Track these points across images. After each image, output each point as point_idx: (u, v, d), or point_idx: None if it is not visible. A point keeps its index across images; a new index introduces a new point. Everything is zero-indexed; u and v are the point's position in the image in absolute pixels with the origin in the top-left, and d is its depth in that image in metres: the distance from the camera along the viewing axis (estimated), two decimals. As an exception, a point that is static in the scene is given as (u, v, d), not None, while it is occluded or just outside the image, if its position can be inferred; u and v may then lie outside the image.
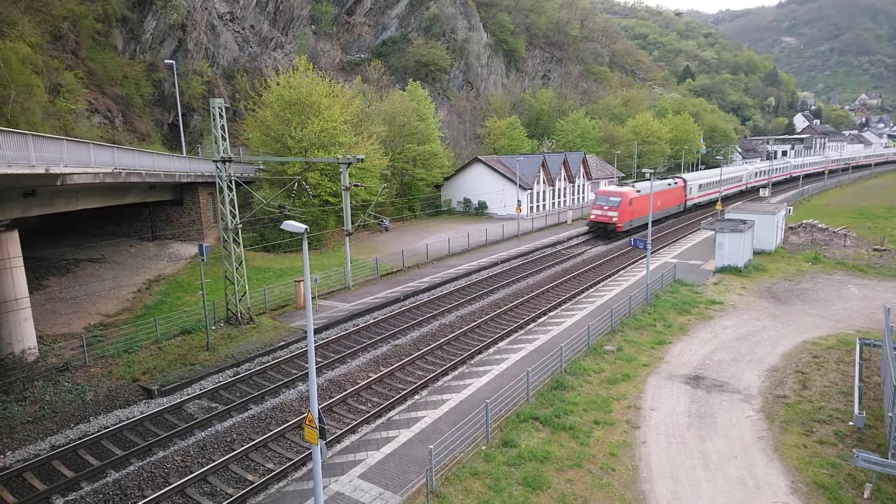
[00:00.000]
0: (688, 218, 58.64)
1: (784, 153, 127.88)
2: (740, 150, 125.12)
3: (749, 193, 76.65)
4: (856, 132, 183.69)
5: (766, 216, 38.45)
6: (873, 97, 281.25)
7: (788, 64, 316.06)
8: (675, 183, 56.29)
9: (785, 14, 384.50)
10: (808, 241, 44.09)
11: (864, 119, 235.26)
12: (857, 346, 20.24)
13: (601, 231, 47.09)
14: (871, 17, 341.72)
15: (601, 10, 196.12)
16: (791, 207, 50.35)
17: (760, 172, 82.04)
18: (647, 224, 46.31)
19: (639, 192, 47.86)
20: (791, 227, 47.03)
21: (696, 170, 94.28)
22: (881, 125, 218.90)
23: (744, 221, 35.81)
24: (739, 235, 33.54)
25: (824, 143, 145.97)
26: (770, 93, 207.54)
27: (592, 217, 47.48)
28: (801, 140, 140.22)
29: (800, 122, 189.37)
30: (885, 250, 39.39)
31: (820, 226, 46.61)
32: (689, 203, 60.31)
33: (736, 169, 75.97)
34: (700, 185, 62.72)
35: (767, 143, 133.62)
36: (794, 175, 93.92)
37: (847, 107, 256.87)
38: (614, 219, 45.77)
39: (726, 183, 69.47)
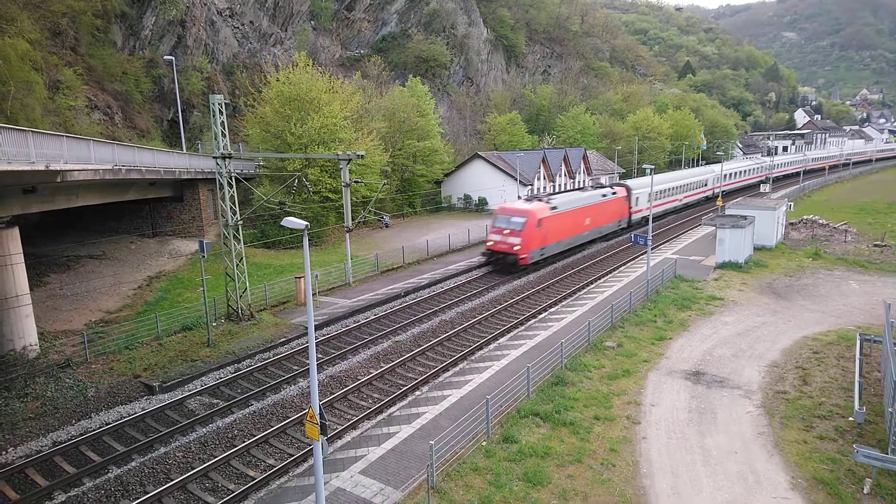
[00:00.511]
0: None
1: (784, 149, 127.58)
2: (741, 146, 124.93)
3: (715, 199, 64.39)
4: (857, 127, 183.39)
5: (767, 212, 38.44)
6: (874, 92, 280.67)
7: (789, 59, 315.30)
8: (614, 192, 44.40)
9: (786, 9, 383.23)
10: (809, 237, 44.09)
11: (865, 114, 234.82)
12: (858, 342, 20.25)
13: (500, 263, 34.24)
14: (872, 11, 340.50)
15: (601, 5, 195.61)
16: (792, 203, 50.35)
17: (732, 174, 71.31)
18: (565, 251, 38.19)
19: (555, 208, 35.62)
20: (791, 223, 47.00)
21: (696, 166, 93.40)
22: (882, 120, 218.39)
23: (744, 217, 35.79)
24: (740, 231, 33.53)
25: (825, 139, 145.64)
26: (771, 88, 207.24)
27: (490, 244, 34.51)
28: (802, 135, 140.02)
29: (801, 117, 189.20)
30: (885, 246, 39.37)
31: (820, 221, 46.58)
32: (636, 217, 48.17)
33: (701, 171, 65.47)
34: (649, 195, 49.68)
35: (768, 138, 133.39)
36: (771, 176, 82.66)
37: (848, 102, 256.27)
38: (516, 247, 32.92)
39: (687, 189, 58.84)
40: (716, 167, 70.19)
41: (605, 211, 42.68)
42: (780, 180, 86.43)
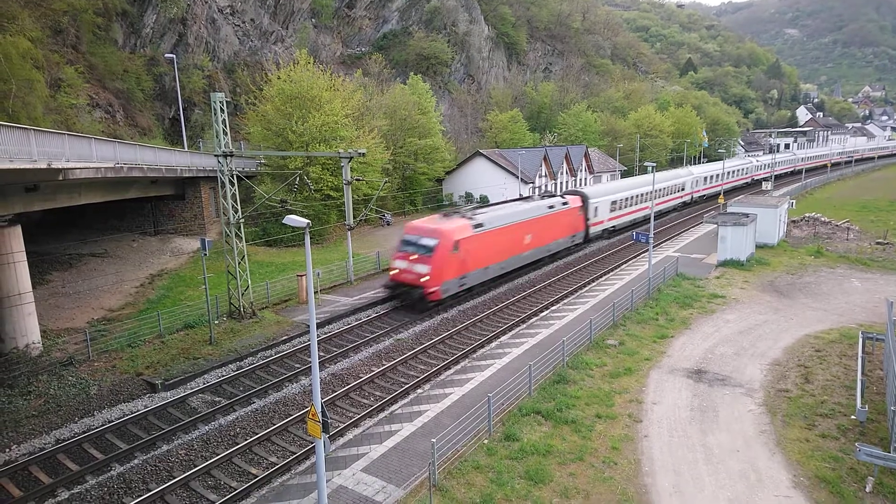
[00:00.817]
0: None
1: (786, 146, 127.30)
2: (742, 143, 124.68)
3: (694, 205, 61.00)
4: (859, 125, 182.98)
5: (769, 209, 38.40)
6: (877, 89, 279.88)
7: (791, 56, 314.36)
8: (565, 203, 37.33)
9: (788, 6, 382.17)
10: (811, 235, 44.04)
11: (867, 111, 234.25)
12: (860, 340, 20.25)
13: (405, 297, 27.29)
14: (874, 8, 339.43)
15: (603, 2, 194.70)
16: (794, 201, 50.26)
17: (711, 177, 64.44)
18: (499, 277, 31.72)
19: (480, 226, 28.88)
20: (794, 221, 46.96)
21: (699, 163, 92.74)
22: (885, 117, 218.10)
23: (746, 215, 35.76)
24: (742, 229, 33.50)
25: (827, 136, 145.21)
26: (773, 85, 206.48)
27: (393, 272, 27.67)
28: (804, 133, 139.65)
29: (803, 114, 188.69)
30: (888, 244, 39.30)
31: (823, 219, 46.53)
32: (595, 230, 42.02)
33: (676, 174, 57.79)
34: (613, 203, 44.02)
35: (770, 135, 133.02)
36: (757, 178, 77.81)
37: (850, 99, 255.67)
38: (424, 278, 26.11)
39: (659, 195, 51.67)
40: (695, 169, 63.44)
41: (553, 225, 35.77)
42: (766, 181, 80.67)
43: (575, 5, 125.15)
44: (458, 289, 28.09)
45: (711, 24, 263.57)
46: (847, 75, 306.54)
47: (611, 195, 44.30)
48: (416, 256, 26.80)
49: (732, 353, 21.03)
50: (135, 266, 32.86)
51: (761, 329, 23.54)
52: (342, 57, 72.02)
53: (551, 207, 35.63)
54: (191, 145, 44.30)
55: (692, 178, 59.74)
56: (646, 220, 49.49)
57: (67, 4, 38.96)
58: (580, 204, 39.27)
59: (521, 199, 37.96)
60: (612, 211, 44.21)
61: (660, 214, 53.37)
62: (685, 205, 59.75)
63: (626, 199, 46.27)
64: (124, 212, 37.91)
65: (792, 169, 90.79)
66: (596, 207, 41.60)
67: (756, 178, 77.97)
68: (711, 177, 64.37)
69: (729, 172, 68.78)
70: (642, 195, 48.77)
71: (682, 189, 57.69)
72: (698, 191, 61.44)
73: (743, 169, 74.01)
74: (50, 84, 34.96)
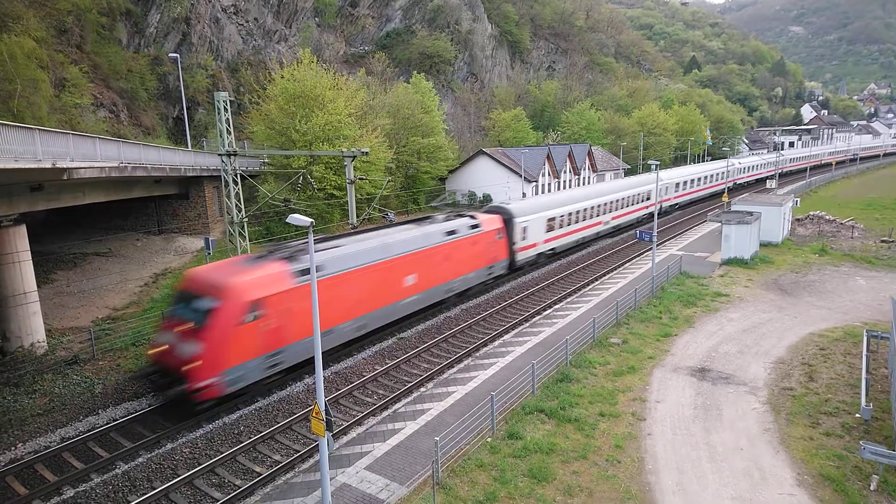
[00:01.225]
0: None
1: (791, 144, 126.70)
2: (747, 142, 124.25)
3: (664, 215, 54.17)
4: (864, 122, 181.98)
5: (773, 208, 38.27)
6: (882, 87, 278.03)
7: (796, 54, 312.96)
8: (476, 225, 28.56)
9: (792, 3, 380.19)
10: (816, 233, 43.87)
11: (872, 109, 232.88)
12: (865, 338, 20.19)
13: (167, 389, 17.04)
14: (880, 5, 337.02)
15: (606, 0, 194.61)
16: (798, 199, 50.04)
17: (681, 184, 56.96)
18: (348, 343, 21.98)
19: (304, 273, 18.62)
20: (798, 219, 46.78)
21: (702, 161, 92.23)
22: (890, 115, 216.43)
23: (750, 213, 35.64)
24: (746, 227, 33.40)
25: (832, 134, 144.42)
26: (777, 83, 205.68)
27: (157, 349, 17.49)
28: (809, 131, 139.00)
29: (807, 112, 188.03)
30: (893, 242, 39.13)
31: (827, 217, 46.34)
32: (524, 255, 33.41)
33: (640, 181, 49.58)
34: (549, 220, 35.41)
35: (774, 133, 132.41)
36: (739, 182, 72.77)
37: (856, 97, 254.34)
38: (190, 365, 16.21)
39: (616, 207, 44.15)
40: (663, 174, 53.66)
41: (455, 256, 26.71)
42: (749, 187, 75.09)
43: (578, 3, 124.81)
44: (263, 373, 18.06)
45: (716, 21, 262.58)
46: (852, 73, 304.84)
47: (547, 211, 35.40)
48: (185, 327, 17.04)
49: (736, 352, 20.98)
50: (139, 265, 32.96)
51: (765, 327, 23.48)
52: (345, 56, 72.06)
53: (452, 233, 26.67)
54: (194, 144, 44.41)
55: (660, 184, 51.06)
56: (599, 235, 43.32)
57: (72, 4, 39.12)
58: (499, 225, 30.50)
59: (415, 221, 28.19)
60: (549, 230, 35.65)
61: (617, 230, 46.15)
62: (652, 216, 44.92)
63: (571, 214, 38.04)
64: (128, 211, 38.03)
65: (780, 171, 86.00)
66: (524, 228, 33.05)
67: (739, 181, 72.88)
68: (680, 184, 56.83)
69: (702, 178, 61.67)
70: (594, 208, 40.74)
71: (648, 198, 49.66)
72: (667, 199, 53.96)
73: (722, 173, 66.92)
74: (54, 84, 35.10)
